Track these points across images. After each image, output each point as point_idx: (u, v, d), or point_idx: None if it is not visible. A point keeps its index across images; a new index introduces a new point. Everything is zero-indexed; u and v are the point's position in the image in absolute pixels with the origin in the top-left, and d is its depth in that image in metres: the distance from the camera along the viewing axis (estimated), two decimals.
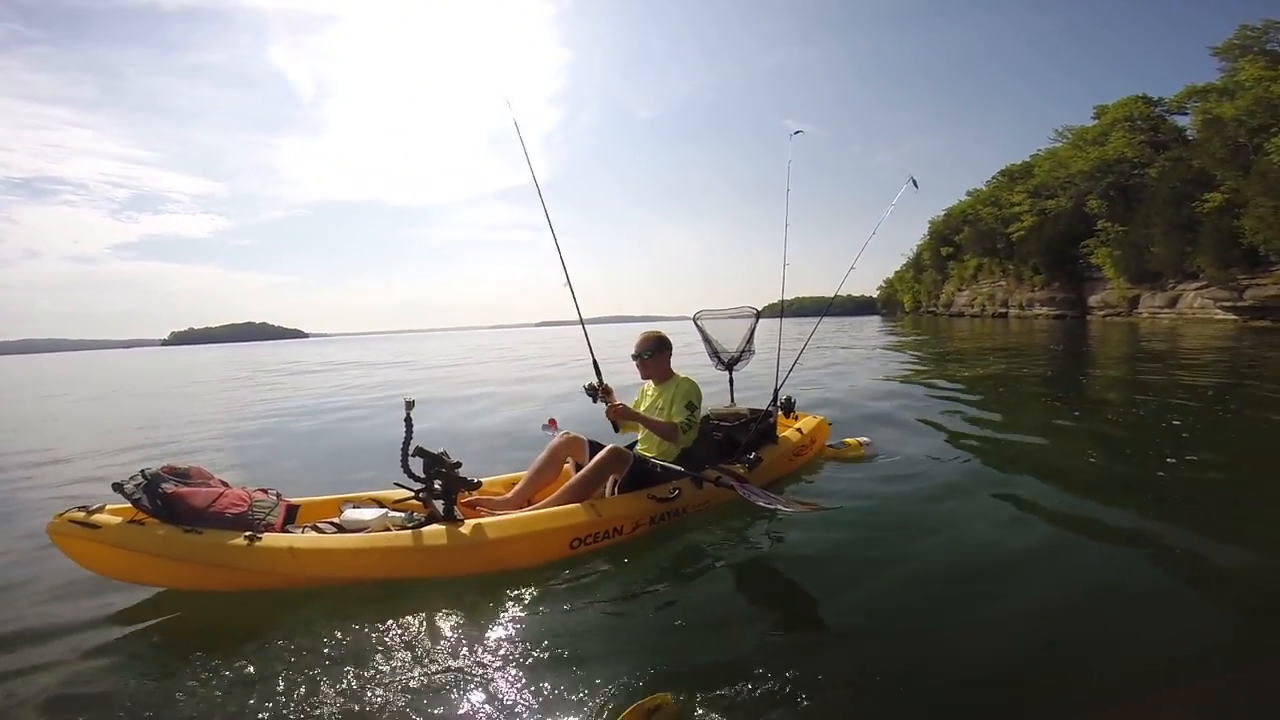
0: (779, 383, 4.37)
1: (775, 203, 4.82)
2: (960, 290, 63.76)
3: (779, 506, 2.92)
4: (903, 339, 24.44)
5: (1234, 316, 29.48)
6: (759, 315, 4.58)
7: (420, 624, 2.32)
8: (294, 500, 3.02)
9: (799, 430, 4.43)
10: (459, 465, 2.84)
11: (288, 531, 2.75)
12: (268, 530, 2.65)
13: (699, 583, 2.73)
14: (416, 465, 2.85)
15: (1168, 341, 17.24)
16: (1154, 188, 35.98)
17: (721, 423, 4.03)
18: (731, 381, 4.64)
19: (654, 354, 3.59)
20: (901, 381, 9.74)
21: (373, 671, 2.03)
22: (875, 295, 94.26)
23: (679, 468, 3.30)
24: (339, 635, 2.25)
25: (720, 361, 4.63)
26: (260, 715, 1.84)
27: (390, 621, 2.32)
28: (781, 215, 4.79)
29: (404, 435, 2.83)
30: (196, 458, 5.95)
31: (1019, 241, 49.81)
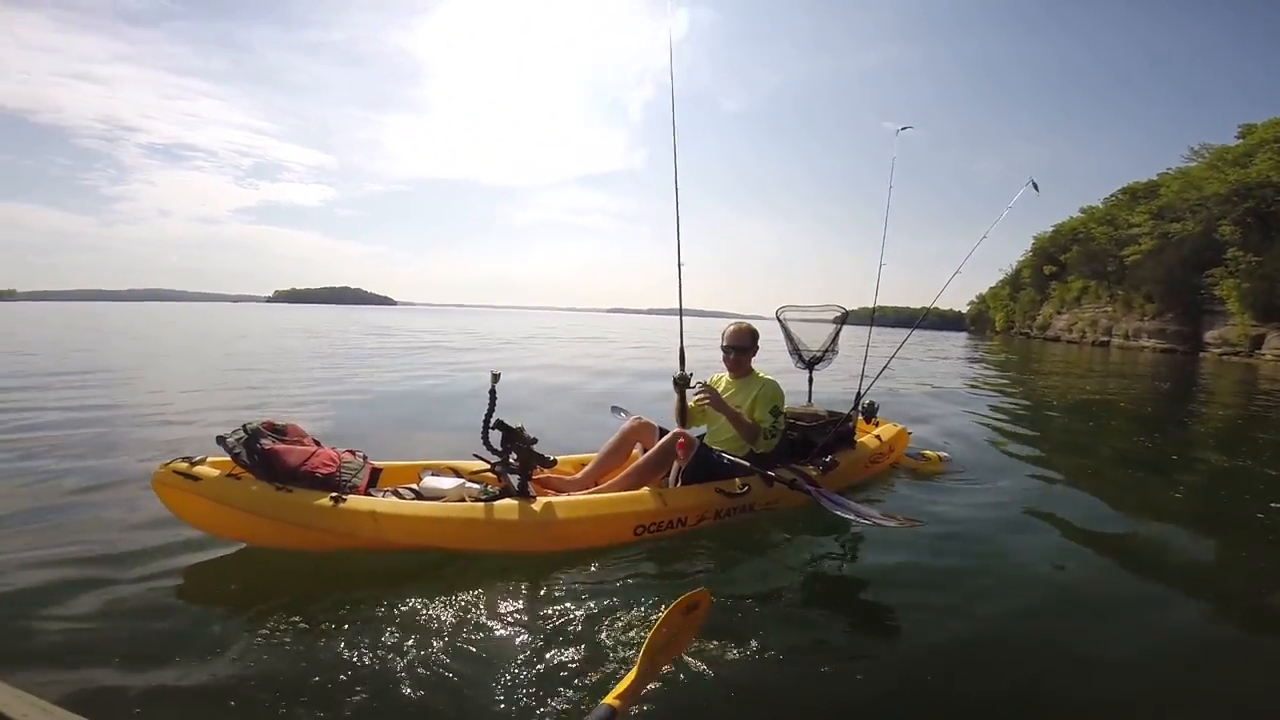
0: (863, 388, 4.19)
1: (862, 202, 4.63)
2: (1060, 313, 59.64)
3: (860, 518, 2.76)
4: (992, 359, 23.15)
5: None
6: (846, 315, 4.42)
7: (481, 596, 2.33)
8: (377, 464, 3.05)
9: (878, 437, 4.27)
10: (535, 441, 2.84)
11: (370, 495, 2.76)
12: (353, 492, 2.66)
13: (754, 581, 2.67)
14: (496, 438, 2.86)
15: None
16: None
17: (798, 422, 3.91)
18: (811, 381, 4.51)
19: (748, 349, 3.54)
20: (987, 400, 9.24)
21: (430, 637, 2.06)
22: (965, 311, 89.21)
23: (748, 464, 3.21)
24: (403, 601, 2.27)
25: (801, 360, 4.51)
26: (329, 673, 1.88)
27: (455, 592, 2.34)
28: (868, 216, 4.69)
29: (486, 407, 2.86)
30: (290, 408, 6.36)
31: (1133, 265, 46.14)
